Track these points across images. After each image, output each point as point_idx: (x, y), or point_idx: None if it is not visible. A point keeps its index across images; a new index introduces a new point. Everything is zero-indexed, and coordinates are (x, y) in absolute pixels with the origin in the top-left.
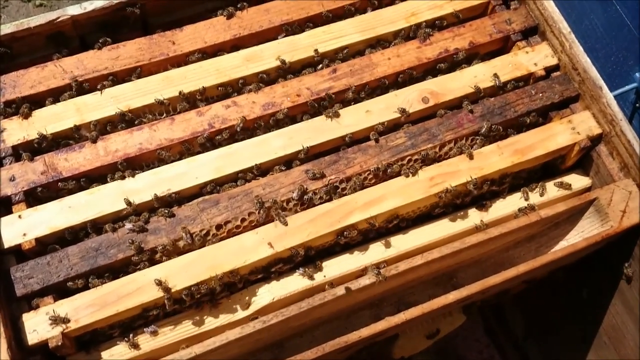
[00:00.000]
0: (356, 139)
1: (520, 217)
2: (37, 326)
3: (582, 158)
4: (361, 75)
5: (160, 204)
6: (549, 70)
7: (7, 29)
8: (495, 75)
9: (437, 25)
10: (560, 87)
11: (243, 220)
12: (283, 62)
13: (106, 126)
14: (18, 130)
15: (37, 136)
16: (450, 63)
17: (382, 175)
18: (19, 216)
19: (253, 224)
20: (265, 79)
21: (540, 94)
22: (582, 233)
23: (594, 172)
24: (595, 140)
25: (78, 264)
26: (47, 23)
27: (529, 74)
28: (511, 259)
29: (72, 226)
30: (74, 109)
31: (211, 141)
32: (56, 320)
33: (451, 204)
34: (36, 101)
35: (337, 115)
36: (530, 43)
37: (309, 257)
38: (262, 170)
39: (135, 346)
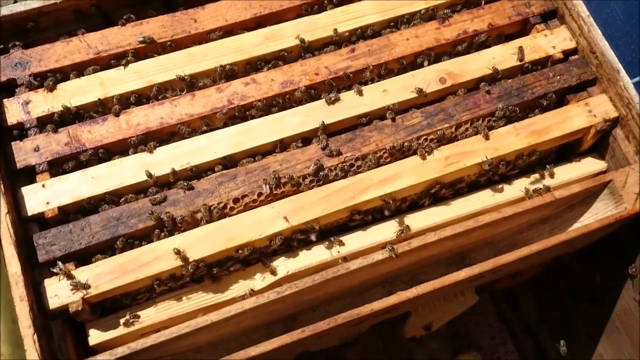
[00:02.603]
0: (373, 118)
1: (534, 197)
2: (59, 291)
3: (598, 141)
4: (379, 55)
5: (179, 177)
6: (567, 53)
7: (34, 3)
8: (520, 49)
9: (456, 6)
10: (577, 70)
11: (260, 194)
12: (302, 41)
13: (129, 100)
14: (43, 103)
15: (62, 108)
16: (469, 44)
17: (398, 153)
18: (43, 185)
19: (269, 199)
20: (285, 57)
21: (558, 77)
22: (596, 215)
23: (609, 156)
24: (612, 123)
25: (99, 232)
26: None
27: (547, 57)
28: (525, 240)
29: (94, 196)
30: (97, 83)
31: (230, 117)
32: (77, 286)
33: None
34: (61, 75)
35: (337, 99)
36: (549, 26)
37: (325, 232)
38: (280, 147)
39: (153, 314)
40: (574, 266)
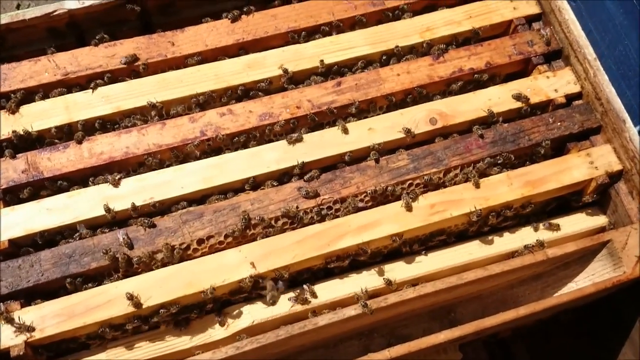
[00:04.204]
0: (356, 158)
1: (525, 254)
2: (1, 332)
3: (600, 194)
4: (367, 91)
5: (141, 213)
6: (571, 98)
7: (2, 19)
8: (518, 96)
9: (453, 42)
10: (580, 116)
11: (227, 236)
12: (285, 71)
13: (94, 126)
14: (4, 125)
15: (22, 133)
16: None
17: (380, 198)
18: None
19: (237, 241)
20: (265, 87)
21: (559, 123)
22: (593, 277)
23: (611, 211)
24: (615, 177)
25: (49, 270)
26: (42, 15)
27: (548, 101)
28: (515, 297)
29: (48, 229)
30: (62, 106)
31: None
32: (21, 328)
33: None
34: (26, 96)
35: (300, 140)
36: (553, 67)
37: (299, 280)
38: (253, 184)
39: None
40: (570, 323)
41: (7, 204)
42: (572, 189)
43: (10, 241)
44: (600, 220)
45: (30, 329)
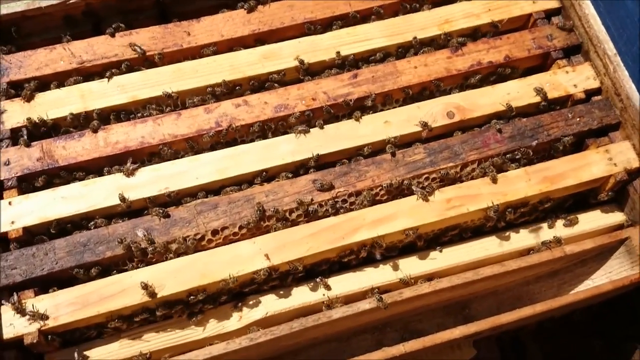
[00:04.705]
0: (371, 151)
1: (542, 251)
2: (15, 320)
3: (618, 191)
4: (383, 83)
5: (156, 202)
6: (590, 93)
7: (18, 7)
8: (538, 90)
9: (471, 35)
10: (600, 112)
11: (241, 227)
12: (302, 62)
13: (109, 115)
14: (19, 113)
15: (37, 120)
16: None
17: (395, 192)
18: (9, 203)
19: (251, 232)
20: (280, 79)
21: (578, 119)
22: (610, 274)
23: (629, 208)
24: (633, 174)
25: (64, 258)
26: (59, 3)
27: (567, 96)
28: (531, 294)
29: (62, 218)
30: (78, 95)
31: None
32: (34, 315)
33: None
34: (41, 84)
35: (306, 131)
36: (572, 62)
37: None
38: (267, 176)
39: (117, 349)
40: (581, 323)
41: (22, 192)
42: (590, 185)
43: (25, 229)
44: (618, 217)
45: (44, 317)
